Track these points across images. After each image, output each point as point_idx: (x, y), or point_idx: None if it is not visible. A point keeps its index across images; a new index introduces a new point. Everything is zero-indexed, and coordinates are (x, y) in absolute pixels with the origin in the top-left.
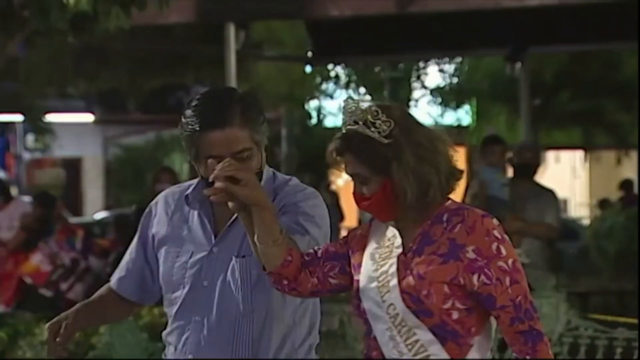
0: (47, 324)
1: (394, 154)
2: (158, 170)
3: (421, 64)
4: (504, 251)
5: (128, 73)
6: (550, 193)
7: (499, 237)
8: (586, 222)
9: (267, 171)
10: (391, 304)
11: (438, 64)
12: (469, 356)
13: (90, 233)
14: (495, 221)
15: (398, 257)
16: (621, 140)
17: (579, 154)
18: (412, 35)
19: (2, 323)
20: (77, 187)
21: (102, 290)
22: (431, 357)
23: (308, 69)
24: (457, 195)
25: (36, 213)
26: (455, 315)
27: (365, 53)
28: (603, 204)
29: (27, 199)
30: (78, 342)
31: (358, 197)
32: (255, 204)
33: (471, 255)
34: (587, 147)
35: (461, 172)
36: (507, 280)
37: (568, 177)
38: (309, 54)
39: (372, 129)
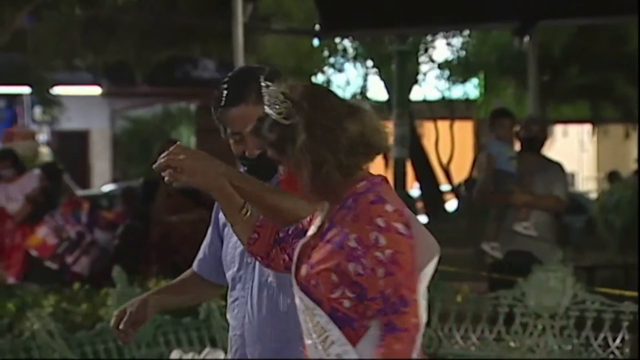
0: (116, 311)
1: (291, 135)
2: (165, 142)
3: (429, 38)
4: (382, 241)
5: (135, 45)
6: (557, 166)
7: (382, 225)
8: (594, 196)
9: None
10: (296, 288)
11: (446, 37)
12: (364, 338)
13: (96, 206)
14: (387, 207)
15: (302, 244)
16: (629, 114)
17: (586, 128)
18: (421, 8)
19: (10, 294)
20: (84, 159)
21: (186, 272)
22: (330, 339)
23: (316, 42)
24: (465, 167)
25: (42, 185)
26: (346, 304)
27: (373, 26)
28: (612, 176)
29: (37, 171)
30: (86, 314)
31: (280, 179)
32: (200, 188)
33: (352, 243)
34: (595, 120)
35: (374, 149)
36: (381, 272)
37: (576, 150)
38: (317, 27)
39: (274, 110)
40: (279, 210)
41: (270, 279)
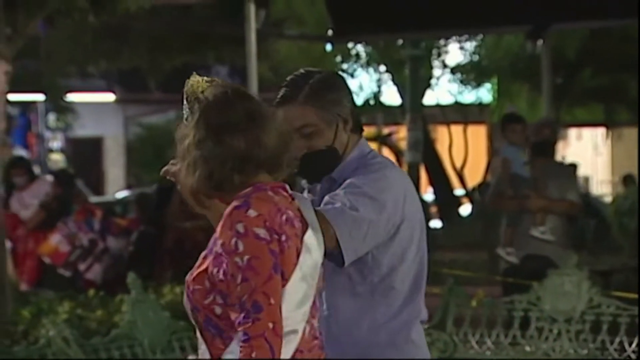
0: None
1: (179, 140)
2: None
3: (442, 42)
4: (240, 247)
5: (149, 52)
6: (569, 169)
7: (241, 231)
8: (608, 199)
9: (360, 149)
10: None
11: (459, 41)
12: (228, 349)
13: (110, 212)
14: (249, 213)
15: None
16: None
17: (600, 131)
18: (433, 12)
19: (25, 301)
20: (98, 166)
21: None
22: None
23: (328, 47)
24: (479, 172)
25: (55, 192)
26: (217, 310)
27: (386, 31)
28: (626, 179)
29: (49, 177)
30: (101, 320)
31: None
32: None
33: (219, 249)
34: (609, 123)
35: (254, 165)
36: (239, 278)
37: (590, 154)
38: (330, 32)
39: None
40: None
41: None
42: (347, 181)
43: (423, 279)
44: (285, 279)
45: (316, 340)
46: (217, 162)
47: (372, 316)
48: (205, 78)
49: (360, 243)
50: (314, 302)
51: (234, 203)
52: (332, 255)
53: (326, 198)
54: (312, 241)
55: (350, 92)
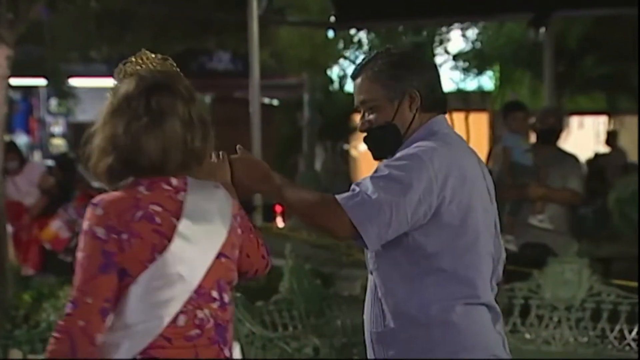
0: None
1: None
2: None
3: (444, 29)
4: (80, 243)
5: (151, 38)
6: (573, 158)
7: (84, 228)
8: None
9: (428, 128)
10: None
11: (461, 28)
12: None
13: None
14: (96, 211)
15: None
16: None
17: (602, 119)
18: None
19: (26, 286)
20: None
21: None
22: None
23: (330, 34)
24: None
25: (57, 177)
26: None
27: (388, 18)
28: (628, 167)
29: (40, 161)
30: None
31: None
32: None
33: None
34: (612, 112)
35: (130, 168)
36: (76, 273)
37: (592, 142)
38: (332, 19)
39: None
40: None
41: (371, 267)
42: (378, 164)
43: (485, 264)
44: (131, 275)
45: (198, 330)
46: (100, 155)
47: (423, 296)
48: (159, 56)
49: (385, 227)
50: (205, 294)
51: (92, 200)
52: (358, 240)
53: (352, 185)
54: (191, 232)
55: (428, 71)
